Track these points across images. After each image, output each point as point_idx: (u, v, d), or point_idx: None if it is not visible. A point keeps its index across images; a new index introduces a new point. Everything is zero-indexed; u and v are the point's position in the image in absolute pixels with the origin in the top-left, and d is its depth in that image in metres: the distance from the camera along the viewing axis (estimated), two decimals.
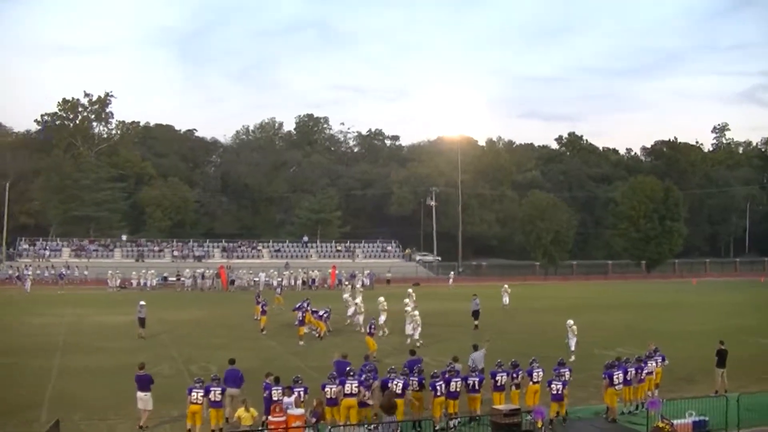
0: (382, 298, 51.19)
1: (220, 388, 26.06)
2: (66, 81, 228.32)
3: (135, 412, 27.46)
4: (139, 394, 27.32)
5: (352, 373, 27.13)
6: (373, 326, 43.38)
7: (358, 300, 55.74)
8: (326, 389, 26.57)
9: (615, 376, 28.84)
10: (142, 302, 49.58)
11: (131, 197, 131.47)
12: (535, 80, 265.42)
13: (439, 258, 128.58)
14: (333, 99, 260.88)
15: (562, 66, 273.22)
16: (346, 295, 58.35)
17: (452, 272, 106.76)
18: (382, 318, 48.92)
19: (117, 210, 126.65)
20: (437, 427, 26.37)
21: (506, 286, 68.29)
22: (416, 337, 45.47)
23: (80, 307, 64.36)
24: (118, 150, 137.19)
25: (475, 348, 33.41)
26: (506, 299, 66.62)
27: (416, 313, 46.84)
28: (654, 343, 34.16)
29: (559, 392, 28.13)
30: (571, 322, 42.21)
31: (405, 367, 29.70)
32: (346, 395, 26.39)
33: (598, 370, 29.45)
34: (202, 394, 25.66)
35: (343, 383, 26.60)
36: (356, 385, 26.58)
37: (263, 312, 52.41)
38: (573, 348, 40.99)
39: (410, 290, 58.54)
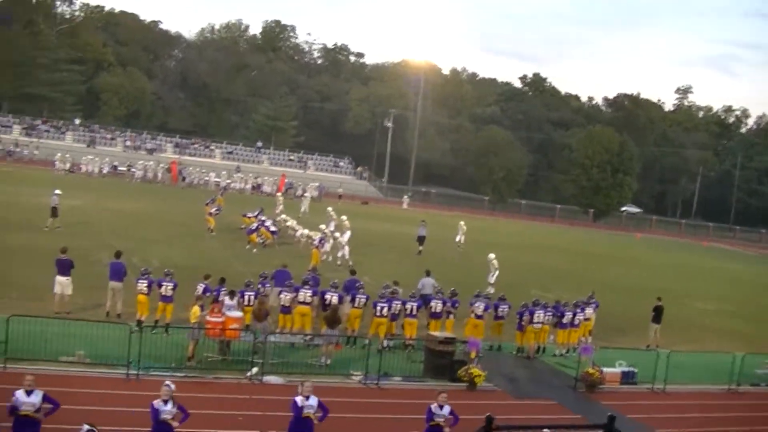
0: (344, 217, 49.65)
1: (172, 283, 26.29)
2: None
3: (52, 296, 27.50)
4: (59, 278, 27.26)
5: (310, 282, 27.60)
6: (322, 240, 43.65)
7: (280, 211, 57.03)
8: (281, 296, 26.95)
9: (535, 315, 29.30)
10: (57, 191, 46.65)
11: (88, 82, 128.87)
12: (507, 17, 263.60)
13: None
14: (302, 7, 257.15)
15: (535, 6, 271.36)
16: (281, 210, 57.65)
17: (406, 196, 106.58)
18: (347, 235, 47.38)
19: (72, 93, 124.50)
20: (380, 347, 26.63)
21: (462, 223, 62.33)
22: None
23: (26, 186, 63.50)
24: (79, 33, 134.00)
25: (427, 273, 33.72)
26: (460, 237, 60.43)
27: (331, 231, 47.20)
28: (592, 291, 34.67)
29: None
30: (492, 256, 42.51)
31: (344, 287, 29.94)
32: (299, 303, 26.75)
33: None
34: (146, 284, 25.99)
35: (297, 290, 26.99)
36: (310, 294, 26.95)
37: (211, 213, 52.07)
38: (492, 281, 41.27)
39: (330, 209, 55.34)
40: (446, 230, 64.72)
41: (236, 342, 24.76)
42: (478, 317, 29.27)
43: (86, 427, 14.08)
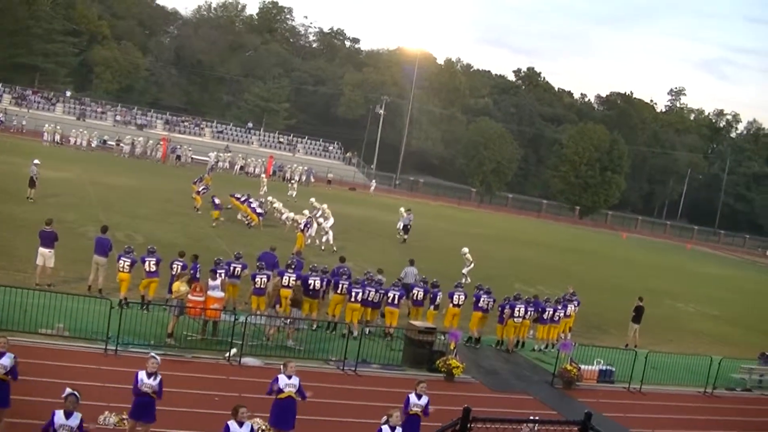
0: (325, 205, 49.05)
1: (155, 258, 26.37)
2: None
3: (34, 268, 27.42)
4: (41, 249, 27.09)
5: (293, 266, 27.51)
6: (308, 225, 43.69)
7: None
8: (256, 279, 26.83)
9: (516, 309, 29.36)
10: (36, 161, 45.68)
11: (82, 54, 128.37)
12: (503, 10, 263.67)
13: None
14: None
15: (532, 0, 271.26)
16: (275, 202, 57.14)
17: (373, 180, 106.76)
18: (330, 222, 46.97)
19: (65, 64, 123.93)
20: (355, 334, 26.65)
21: (402, 209, 58.35)
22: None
23: (14, 156, 63.14)
24: (75, 4, 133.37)
25: (411, 263, 33.83)
26: (401, 224, 55.79)
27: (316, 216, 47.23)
28: (572, 287, 34.79)
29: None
30: (465, 250, 42.76)
31: (331, 272, 29.99)
32: (283, 287, 26.70)
33: None
34: (129, 263, 25.97)
35: (281, 275, 26.98)
36: (294, 278, 26.91)
37: (198, 192, 52.03)
38: (465, 272, 41.30)
39: (312, 199, 53.65)
40: (432, 220, 64.82)
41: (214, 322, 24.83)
42: (456, 306, 29.39)
43: (69, 390, 14.12)
